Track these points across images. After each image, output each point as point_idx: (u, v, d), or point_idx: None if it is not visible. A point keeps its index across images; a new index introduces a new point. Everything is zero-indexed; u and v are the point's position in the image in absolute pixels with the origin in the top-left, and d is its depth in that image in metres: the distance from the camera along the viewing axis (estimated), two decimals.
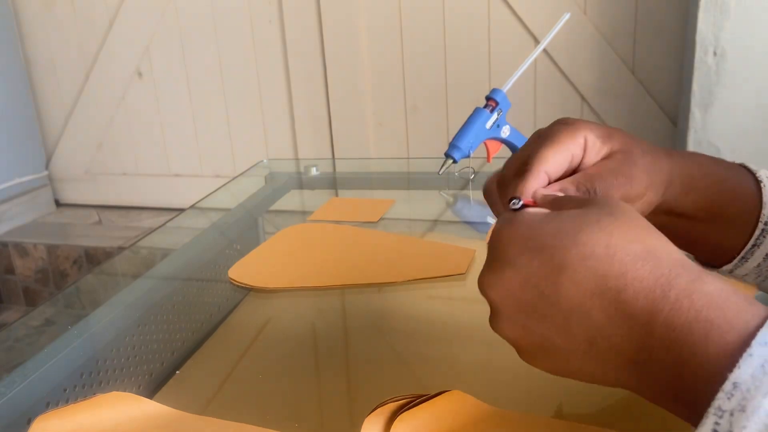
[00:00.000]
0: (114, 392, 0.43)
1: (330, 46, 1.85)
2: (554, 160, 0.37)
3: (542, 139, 0.38)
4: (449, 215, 0.89)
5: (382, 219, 0.82)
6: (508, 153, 0.98)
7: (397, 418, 0.36)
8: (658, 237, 0.29)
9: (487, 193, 0.41)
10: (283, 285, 0.64)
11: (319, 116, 1.94)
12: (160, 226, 0.85)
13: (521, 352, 0.32)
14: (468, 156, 0.90)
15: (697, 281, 0.27)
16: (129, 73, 2.11)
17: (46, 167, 2.30)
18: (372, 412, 0.37)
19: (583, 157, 0.38)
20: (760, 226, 0.41)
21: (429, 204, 0.94)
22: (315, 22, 1.84)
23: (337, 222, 0.82)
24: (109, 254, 1.94)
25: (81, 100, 2.21)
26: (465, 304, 0.59)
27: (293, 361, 0.52)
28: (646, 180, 0.38)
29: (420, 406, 0.37)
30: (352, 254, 0.70)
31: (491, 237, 0.33)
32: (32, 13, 2.17)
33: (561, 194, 0.36)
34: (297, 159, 1.97)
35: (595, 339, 0.29)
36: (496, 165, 1.00)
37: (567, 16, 0.90)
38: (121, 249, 1.91)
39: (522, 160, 0.38)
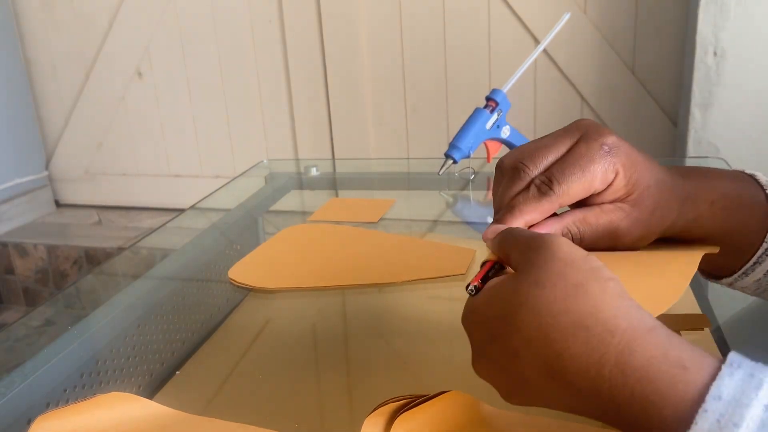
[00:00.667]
0: (114, 392, 0.43)
1: (330, 46, 1.85)
2: (577, 193, 0.36)
3: (575, 157, 0.37)
4: (449, 215, 0.89)
5: (382, 219, 0.82)
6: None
7: (397, 419, 0.36)
8: (587, 296, 0.29)
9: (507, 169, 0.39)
10: (283, 285, 0.64)
11: (319, 116, 1.94)
12: (160, 227, 0.85)
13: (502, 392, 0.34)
14: (468, 156, 0.90)
15: (626, 352, 0.27)
16: (129, 73, 2.11)
17: (46, 167, 2.30)
18: (372, 412, 0.37)
19: (599, 193, 0.37)
20: (764, 245, 0.41)
21: (429, 204, 0.94)
22: (315, 22, 1.84)
23: (337, 222, 0.82)
24: (109, 254, 1.94)
25: (81, 101, 2.21)
26: (464, 304, 0.59)
27: (293, 361, 0.52)
28: (650, 228, 0.38)
29: (420, 406, 0.37)
30: (352, 255, 0.70)
31: (462, 323, 0.35)
32: (32, 13, 2.17)
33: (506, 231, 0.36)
34: (297, 159, 1.97)
35: (568, 406, 0.30)
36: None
37: (567, 16, 0.90)
38: (121, 249, 1.91)
39: (546, 173, 0.37)
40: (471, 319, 0.34)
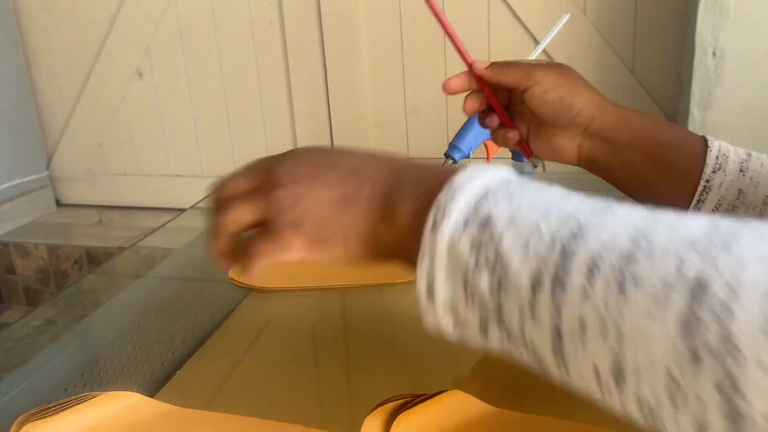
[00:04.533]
0: (115, 392, 0.43)
1: (330, 46, 1.85)
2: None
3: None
4: None
5: None
6: (507, 153, 0.99)
7: (397, 418, 0.36)
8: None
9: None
10: (285, 285, 0.64)
11: (319, 116, 1.94)
12: (160, 227, 0.85)
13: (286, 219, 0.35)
14: (468, 156, 0.90)
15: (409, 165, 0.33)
16: (129, 74, 2.11)
17: (47, 167, 2.30)
18: (372, 411, 0.37)
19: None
20: (702, 182, 0.45)
21: None
22: (315, 23, 1.85)
23: None
24: (109, 254, 1.94)
25: (81, 101, 2.21)
26: None
27: (293, 361, 0.52)
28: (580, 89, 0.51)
29: (420, 405, 0.37)
30: None
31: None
32: (33, 13, 2.17)
33: None
34: None
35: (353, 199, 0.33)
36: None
37: (567, 16, 0.90)
38: (121, 249, 1.91)
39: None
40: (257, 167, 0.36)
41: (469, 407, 0.39)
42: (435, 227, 0.28)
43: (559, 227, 0.25)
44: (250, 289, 0.64)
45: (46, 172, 2.29)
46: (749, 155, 0.45)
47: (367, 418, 0.36)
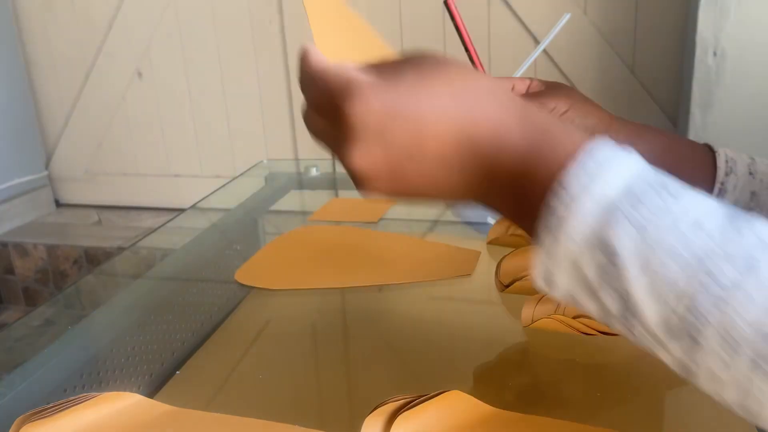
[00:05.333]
0: (115, 392, 0.43)
1: None
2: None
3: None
4: (449, 216, 0.89)
5: (381, 219, 0.82)
6: None
7: (397, 418, 0.36)
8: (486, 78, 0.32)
9: None
10: (286, 285, 0.64)
11: None
12: (160, 227, 0.85)
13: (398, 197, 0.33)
14: None
15: (531, 109, 0.30)
16: (129, 74, 2.11)
17: (46, 167, 2.30)
18: (372, 412, 0.37)
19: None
20: (717, 186, 0.45)
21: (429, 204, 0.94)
22: None
23: (337, 222, 0.82)
24: (109, 254, 1.94)
25: (81, 101, 2.21)
26: (465, 304, 0.59)
27: (293, 361, 0.52)
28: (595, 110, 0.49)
29: (420, 406, 0.37)
30: (359, 256, 0.70)
31: (346, 111, 0.31)
32: (32, 13, 2.17)
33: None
34: (297, 159, 1.97)
35: (460, 157, 0.30)
36: None
37: (567, 16, 0.90)
38: (121, 249, 1.91)
39: None
40: (358, 105, 0.30)
41: (469, 407, 0.39)
42: (552, 233, 0.27)
43: (698, 288, 0.24)
44: (250, 290, 0.64)
45: (46, 172, 2.29)
46: (752, 159, 0.46)
47: (367, 418, 0.36)
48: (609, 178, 0.26)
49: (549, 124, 0.30)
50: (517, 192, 0.29)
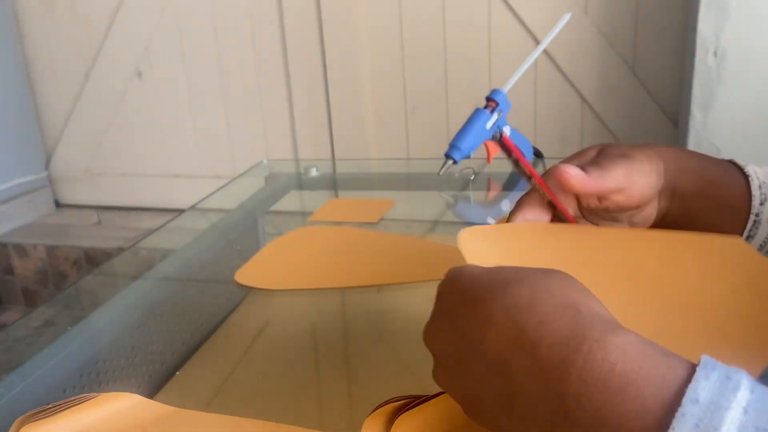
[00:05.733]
0: (114, 393, 0.43)
1: (330, 46, 1.85)
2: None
3: (618, 158, 0.40)
4: (449, 216, 0.89)
5: (382, 219, 0.82)
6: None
7: (397, 419, 0.36)
8: (585, 294, 0.29)
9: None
10: (286, 285, 0.64)
11: (319, 116, 1.94)
12: (159, 227, 0.85)
13: (460, 404, 0.32)
14: (468, 157, 0.90)
15: (611, 333, 0.26)
16: (129, 74, 2.11)
17: (46, 168, 2.30)
18: (372, 412, 0.36)
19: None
20: (752, 217, 0.42)
21: (429, 205, 0.94)
22: (315, 23, 1.84)
23: (338, 223, 0.82)
24: (108, 255, 1.94)
25: (81, 101, 2.21)
26: None
27: (293, 362, 0.52)
28: (649, 176, 0.41)
29: (420, 406, 0.37)
30: (359, 256, 0.70)
31: (438, 289, 0.33)
32: (32, 13, 2.17)
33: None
34: (297, 159, 1.97)
35: (513, 394, 0.28)
36: (496, 165, 1.00)
37: (567, 16, 0.90)
38: (120, 250, 1.91)
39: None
40: (455, 281, 0.32)
41: None
42: None
43: None
44: (250, 290, 0.64)
45: (45, 173, 2.29)
46: None
47: (367, 419, 0.36)
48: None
49: (635, 350, 0.25)
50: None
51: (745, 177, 0.43)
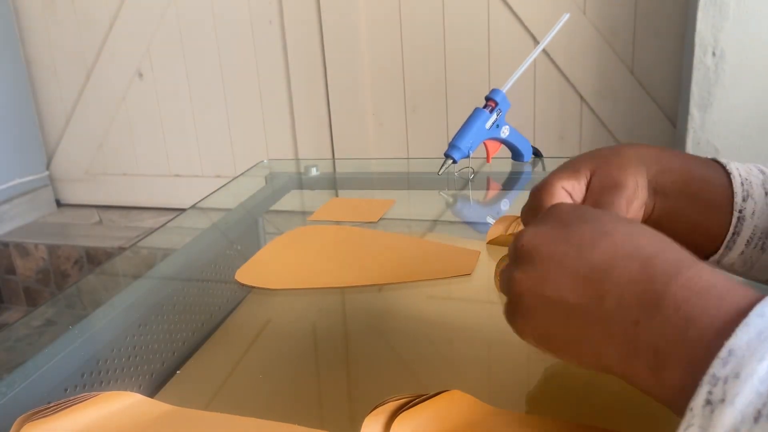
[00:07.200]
0: (115, 392, 0.43)
1: (330, 46, 1.85)
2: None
3: (613, 190, 0.42)
4: (449, 215, 0.89)
5: (382, 219, 0.82)
6: (507, 153, 0.99)
7: (397, 418, 0.36)
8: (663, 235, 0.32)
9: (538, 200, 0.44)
10: (286, 285, 0.64)
11: (319, 116, 1.94)
12: (160, 227, 0.85)
13: (519, 305, 0.34)
14: (468, 156, 0.90)
15: (712, 266, 0.30)
16: (129, 74, 2.11)
17: (47, 167, 2.30)
18: (372, 411, 0.37)
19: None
20: (735, 214, 0.43)
21: (429, 204, 0.94)
22: (315, 23, 1.85)
23: (337, 222, 0.82)
24: (109, 254, 1.94)
25: (82, 101, 2.21)
26: (465, 304, 0.59)
27: (294, 361, 0.52)
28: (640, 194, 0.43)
29: (420, 405, 0.37)
30: (359, 256, 0.70)
31: (545, 211, 0.36)
32: (32, 13, 2.17)
33: None
34: (297, 159, 1.97)
35: (606, 295, 0.30)
36: (496, 165, 1.00)
37: (566, 16, 0.90)
38: (121, 249, 1.91)
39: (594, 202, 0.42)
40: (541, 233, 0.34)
41: (469, 407, 0.39)
42: (712, 406, 0.24)
43: None
44: (250, 289, 0.64)
45: (46, 172, 2.29)
46: (764, 173, 0.44)
47: (367, 418, 0.36)
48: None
49: (724, 277, 0.28)
50: (673, 338, 0.28)
51: (728, 174, 0.44)
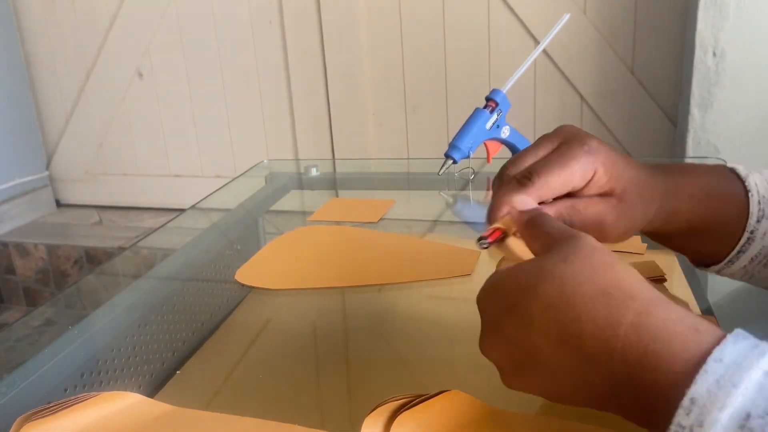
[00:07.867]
0: (115, 392, 0.43)
1: (330, 46, 1.85)
2: (557, 186, 0.38)
3: (555, 155, 0.38)
4: (449, 216, 0.89)
5: (382, 219, 0.82)
6: (507, 153, 0.99)
7: (397, 418, 0.36)
8: (612, 271, 0.30)
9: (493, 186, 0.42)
10: (286, 285, 0.64)
11: (319, 116, 1.94)
12: (160, 227, 0.85)
13: (542, 396, 0.34)
14: (468, 156, 0.90)
15: (644, 315, 0.28)
16: (129, 74, 2.11)
17: (47, 167, 2.30)
18: (372, 411, 0.37)
19: (582, 188, 0.39)
20: (746, 234, 0.42)
21: (429, 204, 0.94)
22: (315, 23, 1.85)
23: (337, 222, 0.82)
24: (109, 254, 1.94)
25: (81, 101, 2.21)
26: (465, 304, 0.59)
27: (293, 361, 0.52)
28: (634, 221, 0.40)
29: (420, 405, 0.37)
30: (359, 256, 0.70)
31: (478, 303, 0.35)
32: (32, 13, 2.17)
33: (537, 214, 0.37)
34: (297, 159, 1.97)
35: (574, 379, 0.30)
36: (496, 165, 1.00)
37: (567, 16, 0.90)
38: (121, 249, 1.91)
39: (527, 168, 0.38)
40: (489, 291, 0.34)
41: (469, 407, 0.39)
42: None
43: None
44: (250, 289, 0.64)
45: (46, 172, 2.29)
46: None
47: (367, 418, 0.36)
48: (732, 401, 0.24)
49: (666, 330, 0.27)
50: (639, 403, 0.28)
51: (746, 191, 0.42)
